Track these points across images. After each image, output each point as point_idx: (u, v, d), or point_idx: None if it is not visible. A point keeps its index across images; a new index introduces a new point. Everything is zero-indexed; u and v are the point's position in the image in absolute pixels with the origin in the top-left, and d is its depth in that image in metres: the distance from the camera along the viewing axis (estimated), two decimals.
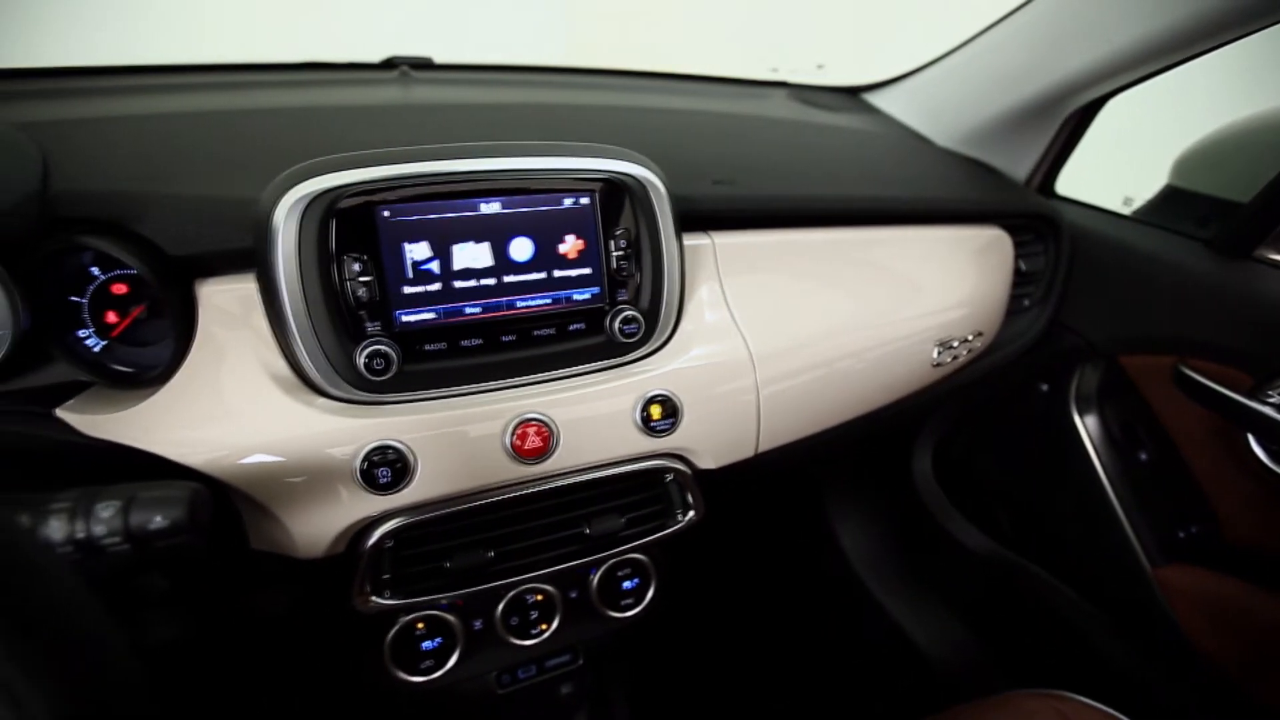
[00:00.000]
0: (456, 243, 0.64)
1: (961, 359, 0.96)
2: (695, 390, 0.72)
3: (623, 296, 0.71)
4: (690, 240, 0.76)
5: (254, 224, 0.59)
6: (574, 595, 0.79)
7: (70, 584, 0.31)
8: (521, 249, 0.66)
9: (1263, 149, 0.96)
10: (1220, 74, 0.93)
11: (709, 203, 0.79)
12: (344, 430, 0.60)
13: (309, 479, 0.60)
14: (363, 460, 0.60)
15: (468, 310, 0.65)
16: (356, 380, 0.61)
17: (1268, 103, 0.99)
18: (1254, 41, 0.83)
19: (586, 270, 0.69)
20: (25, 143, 0.61)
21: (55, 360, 0.60)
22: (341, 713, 0.98)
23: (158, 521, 0.44)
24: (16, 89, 0.83)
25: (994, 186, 1.08)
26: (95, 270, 0.60)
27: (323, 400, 0.61)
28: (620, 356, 0.71)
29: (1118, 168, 1.20)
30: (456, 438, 0.63)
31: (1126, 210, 1.10)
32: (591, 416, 0.68)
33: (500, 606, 0.75)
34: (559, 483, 0.69)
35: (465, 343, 0.66)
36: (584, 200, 0.68)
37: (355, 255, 0.60)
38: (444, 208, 0.63)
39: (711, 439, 0.74)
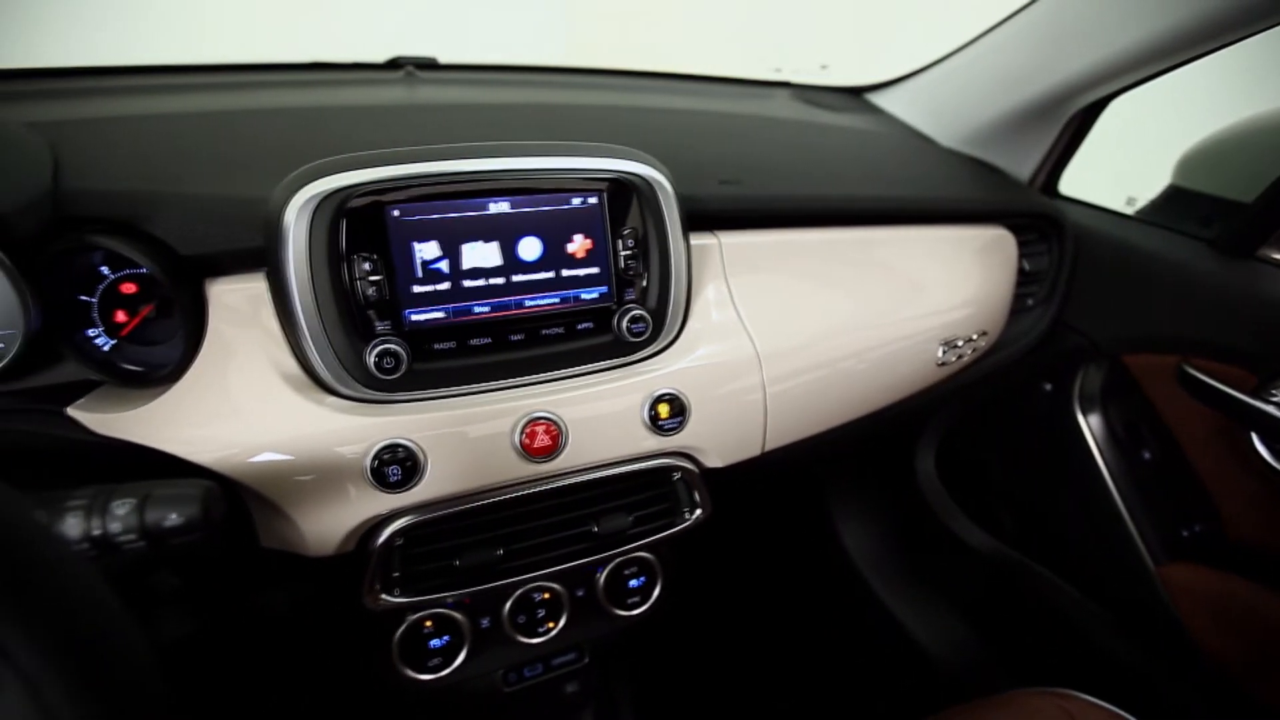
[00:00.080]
0: (465, 242, 0.64)
1: (966, 358, 0.97)
2: (702, 389, 0.72)
3: (630, 296, 0.71)
4: (697, 240, 0.76)
5: (264, 223, 0.59)
6: (581, 594, 0.80)
7: (93, 581, 0.32)
8: (530, 248, 0.66)
9: (1266, 149, 0.96)
10: (1220, 75, 0.94)
11: (715, 202, 0.80)
12: (354, 429, 0.60)
13: (319, 477, 0.60)
14: (373, 459, 0.60)
15: (476, 309, 0.65)
16: (366, 379, 0.62)
17: (1268, 104, 0.99)
18: (1256, 43, 0.83)
19: (594, 270, 0.69)
20: (36, 142, 0.61)
21: (65, 359, 0.60)
22: (348, 711, 0.98)
23: (173, 519, 0.44)
24: (25, 89, 0.83)
25: (998, 186, 1.09)
26: (105, 269, 0.60)
27: (333, 399, 0.62)
28: (628, 355, 0.72)
29: (1116, 167, 1.20)
30: (466, 436, 0.63)
31: (1130, 210, 1.10)
32: (600, 415, 0.68)
33: (508, 605, 0.75)
34: (567, 481, 0.69)
35: (474, 342, 0.66)
36: (592, 200, 0.68)
37: (365, 254, 0.61)
38: (453, 207, 0.63)
39: (718, 438, 0.75)
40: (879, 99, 1.29)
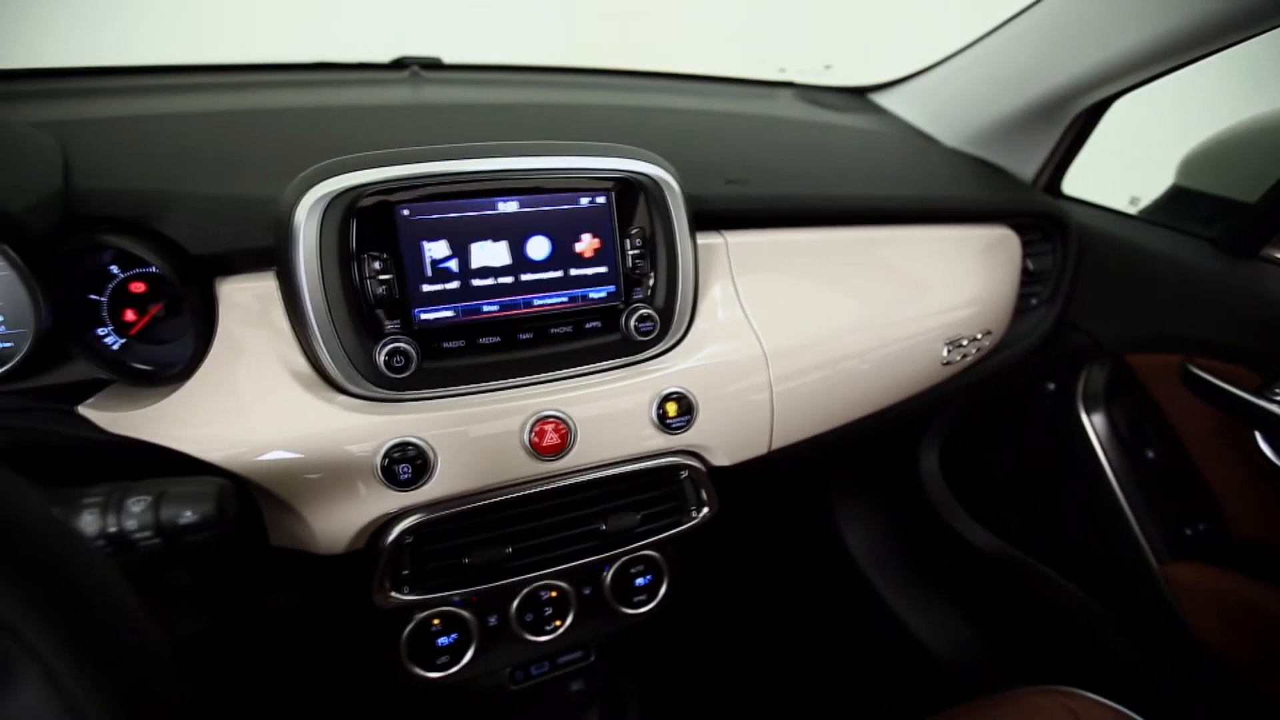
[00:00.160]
0: (474, 241, 0.64)
1: (970, 358, 0.97)
2: (710, 388, 0.73)
3: (638, 295, 0.72)
4: (703, 239, 0.77)
5: (274, 223, 0.59)
6: (587, 592, 0.80)
7: (114, 578, 0.32)
8: (538, 248, 0.66)
9: (1269, 149, 0.97)
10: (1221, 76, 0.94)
11: (721, 202, 0.80)
12: (364, 427, 0.61)
13: (330, 475, 0.60)
14: (384, 457, 0.60)
15: (486, 308, 0.66)
16: (376, 378, 0.62)
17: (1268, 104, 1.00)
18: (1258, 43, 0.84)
19: (602, 269, 0.69)
20: (45, 142, 0.61)
21: (75, 358, 0.60)
22: (356, 709, 0.98)
23: (187, 516, 0.44)
24: (32, 89, 0.83)
25: (1001, 186, 1.09)
26: (114, 269, 0.60)
27: (343, 397, 0.62)
28: (636, 354, 0.72)
29: (1117, 167, 1.21)
30: (475, 435, 0.64)
31: (1133, 210, 1.10)
32: (608, 414, 0.69)
33: (515, 603, 0.75)
34: (576, 479, 0.70)
35: (483, 340, 0.66)
36: (600, 199, 0.68)
37: (375, 254, 0.61)
38: (462, 207, 0.63)
39: (725, 436, 0.75)
40: (882, 99, 1.29)
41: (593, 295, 0.70)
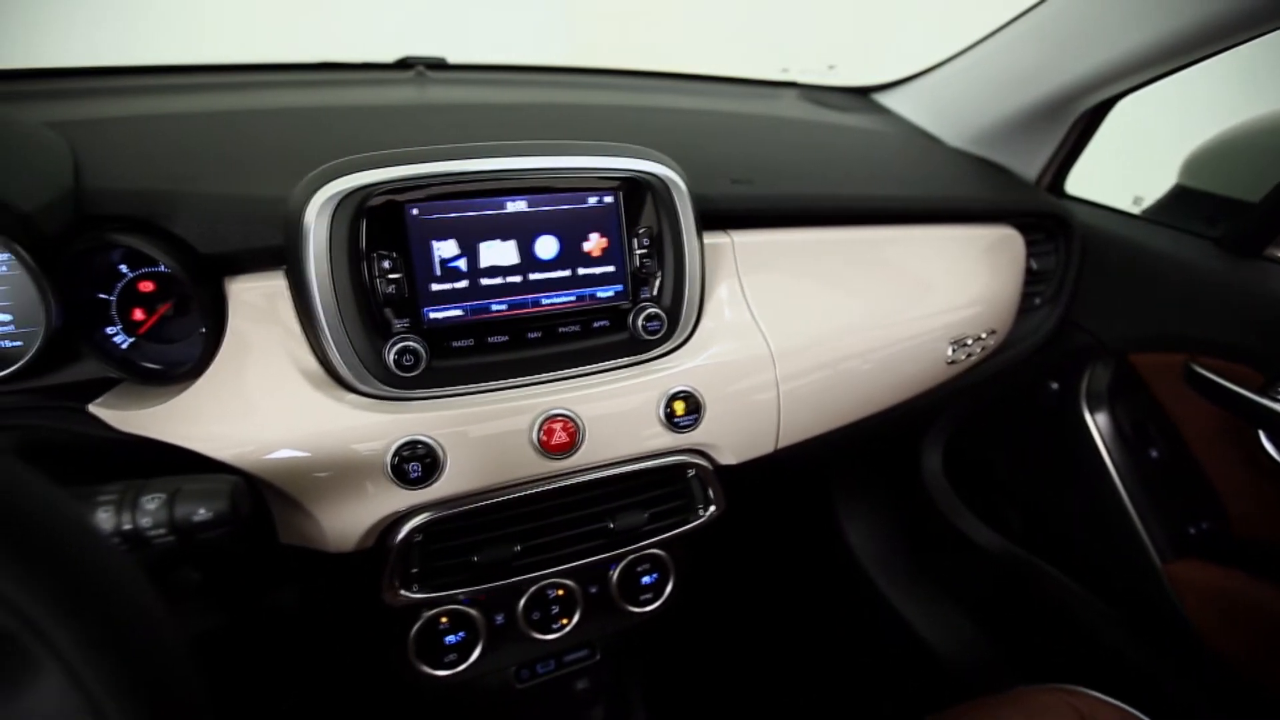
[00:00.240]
0: (483, 240, 0.64)
1: (975, 357, 0.97)
2: (717, 387, 0.73)
3: (645, 294, 0.72)
4: (710, 239, 0.77)
5: (284, 222, 0.60)
6: (594, 590, 0.80)
7: (133, 574, 0.32)
8: (547, 247, 0.67)
9: (1272, 148, 0.97)
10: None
11: (727, 202, 0.80)
12: (374, 425, 0.61)
13: (340, 474, 0.60)
14: (394, 455, 0.60)
15: (494, 307, 0.66)
16: (386, 376, 0.62)
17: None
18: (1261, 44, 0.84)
19: (610, 268, 0.70)
20: (56, 141, 0.62)
21: (84, 357, 0.61)
22: (362, 707, 0.98)
23: (202, 514, 0.44)
24: (40, 88, 0.83)
25: (1005, 186, 1.10)
26: (123, 268, 0.60)
27: (352, 396, 0.62)
28: (643, 353, 0.72)
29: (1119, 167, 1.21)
30: (484, 433, 0.64)
31: (1136, 210, 1.11)
32: (616, 413, 0.69)
33: (522, 601, 0.76)
34: (584, 478, 0.70)
35: (492, 339, 0.66)
36: (608, 199, 0.68)
37: (384, 253, 0.61)
38: (471, 206, 0.63)
39: (732, 435, 0.75)
40: (886, 99, 1.29)
41: (600, 295, 0.70)
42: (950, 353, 0.93)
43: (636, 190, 0.69)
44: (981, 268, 0.98)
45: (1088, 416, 1.09)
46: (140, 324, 0.62)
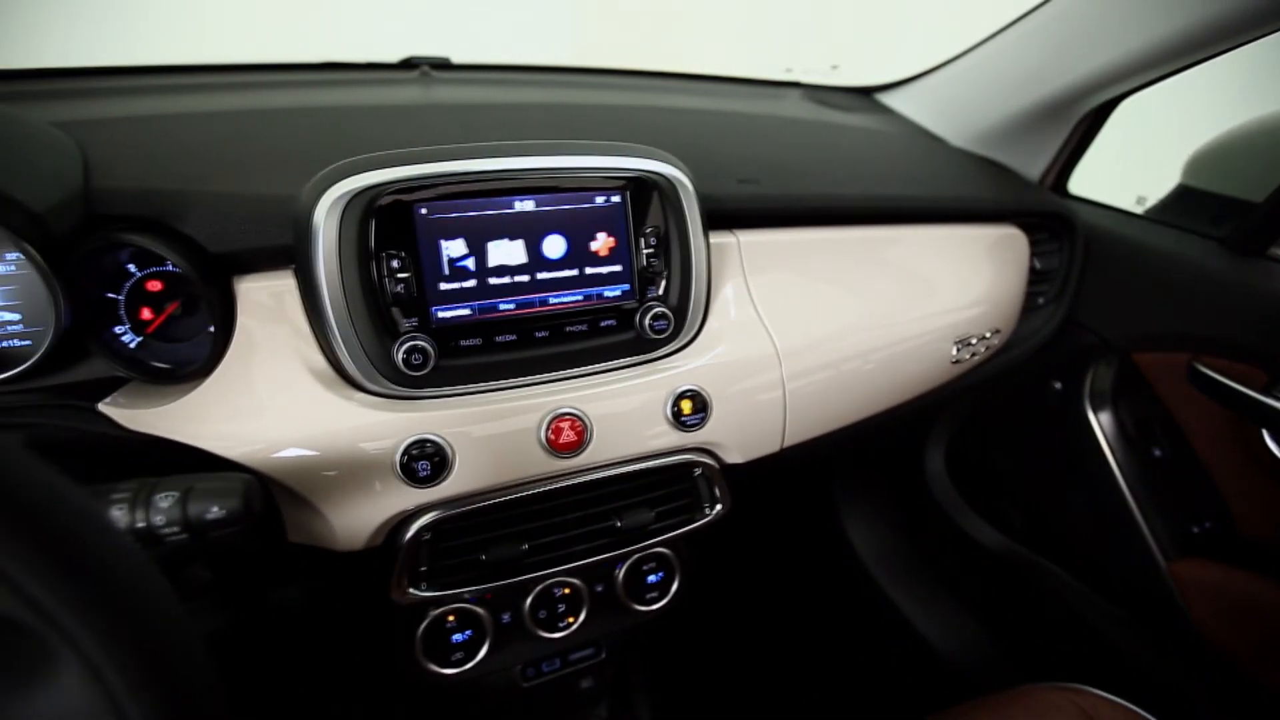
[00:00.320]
0: (491, 240, 0.64)
1: (979, 356, 0.97)
2: (723, 386, 0.73)
3: (652, 294, 0.72)
4: (716, 238, 0.77)
5: (293, 221, 0.60)
6: (600, 589, 0.80)
7: (151, 571, 0.32)
8: (554, 246, 0.67)
9: (1276, 148, 0.97)
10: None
11: (734, 202, 0.80)
12: (383, 424, 0.61)
13: (348, 472, 0.60)
14: (403, 454, 0.60)
15: (502, 306, 0.66)
16: (394, 375, 0.62)
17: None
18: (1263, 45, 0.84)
19: (617, 267, 0.70)
20: (65, 141, 0.62)
21: (92, 356, 0.61)
22: (369, 704, 0.98)
23: (214, 512, 0.45)
24: (49, 88, 0.83)
25: (1009, 185, 1.10)
26: (131, 267, 0.61)
27: (361, 395, 0.62)
28: (650, 353, 0.72)
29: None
30: (493, 432, 0.64)
31: (1140, 209, 1.11)
32: (624, 411, 0.69)
33: (529, 599, 0.76)
34: (592, 476, 0.70)
35: (500, 338, 0.67)
36: (615, 198, 0.69)
37: (393, 252, 0.61)
38: (479, 205, 0.63)
39: (739, 434, 0.75)
40: (889, 99, 1.29)
41: (607, 294, 0.70)
42: (954, 352, 0.93)
43: (643, 190, 0.70)
44: (985, 267, 0.98)
45: (1091, 416, 1.09)
46: (148, 323, 0.62)
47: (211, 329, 0.61)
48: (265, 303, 0.62)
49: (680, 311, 0.72)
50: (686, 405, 0.71)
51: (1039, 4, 0.99)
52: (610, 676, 0.93)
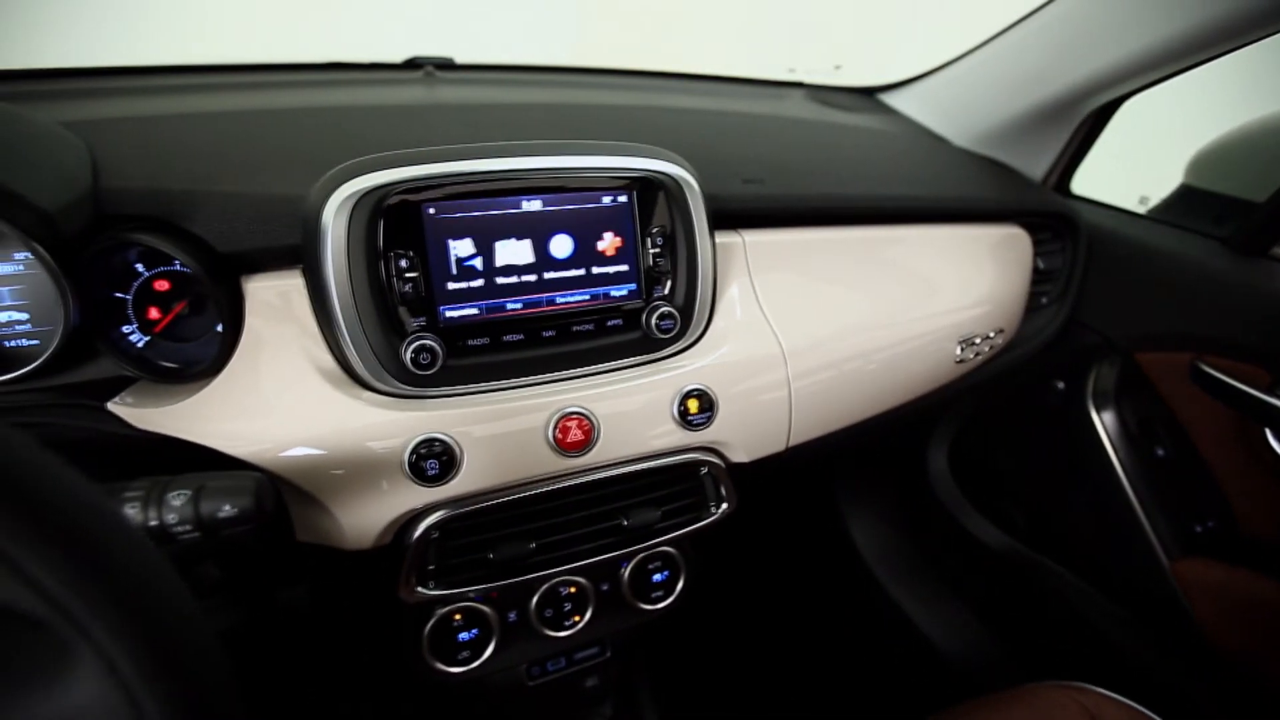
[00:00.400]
0: (499, 239, 0.65)
1: (983, 356, 0.98)
2: (729, 385, 0.73)
3: (658, 293, 0.72)
4: (721, 238, 0.77)
5: (302, 221, 0.60)
6: (605, 588, 0.81)
7: (166, 567, 0.32)
8: (561, 246, 0.67)
9: (1278, 148, 0.98)
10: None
11: (739, 202, 0.81)
12: (392, 423, 0.61)
13: (357, 471, 0.60)
14: (411, 453, 0.61)
15: (509, 306, 0.66)
16: (402, 374, 0.62)
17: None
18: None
19: (624, 267, 0.70)
20: (74, 141, 0.62)
21: (100, 356, 0.61)
22: (376, 703, 0.99)
23: (226, 510, 0.45)
24: (56, 88, 0.83)
25: (1012, 185, 1.10)
26: (139, 267, 0.61)
27: (369, 394, 0.62)
28: (656, 352, 0.72)
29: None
30: (500, 431, 0.64)
31: (1142, 209, 1.11)
32: (631, 411, 0.69)
33: (535, 598, 0.76)
34: (599, 475, 0.70)
35: (507, 338, 0.67)
36: (622, 198, 0.69)
37: (401, 251, 0.61)
38: (487, 205, 0.64)
39: (745, 433, 0.76)
40: (892, 99, 1.30)
41: (614, 294, 0.70)
42: (959, 352, 0.93)
43: (649, 190, 0.70)
44: (989, 267, 0.98)
45: (1094, 415, 1.09)
46: (155, 323, 0.62)
47: (219, 328, 0.61)
48: (273, 302, 0.63)
49: (686, 311, 0.72)
50: (693, 404, 0.71)
51: (1042, 4, 1.00)
52: (615, 675, 0.94)
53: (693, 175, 0.70)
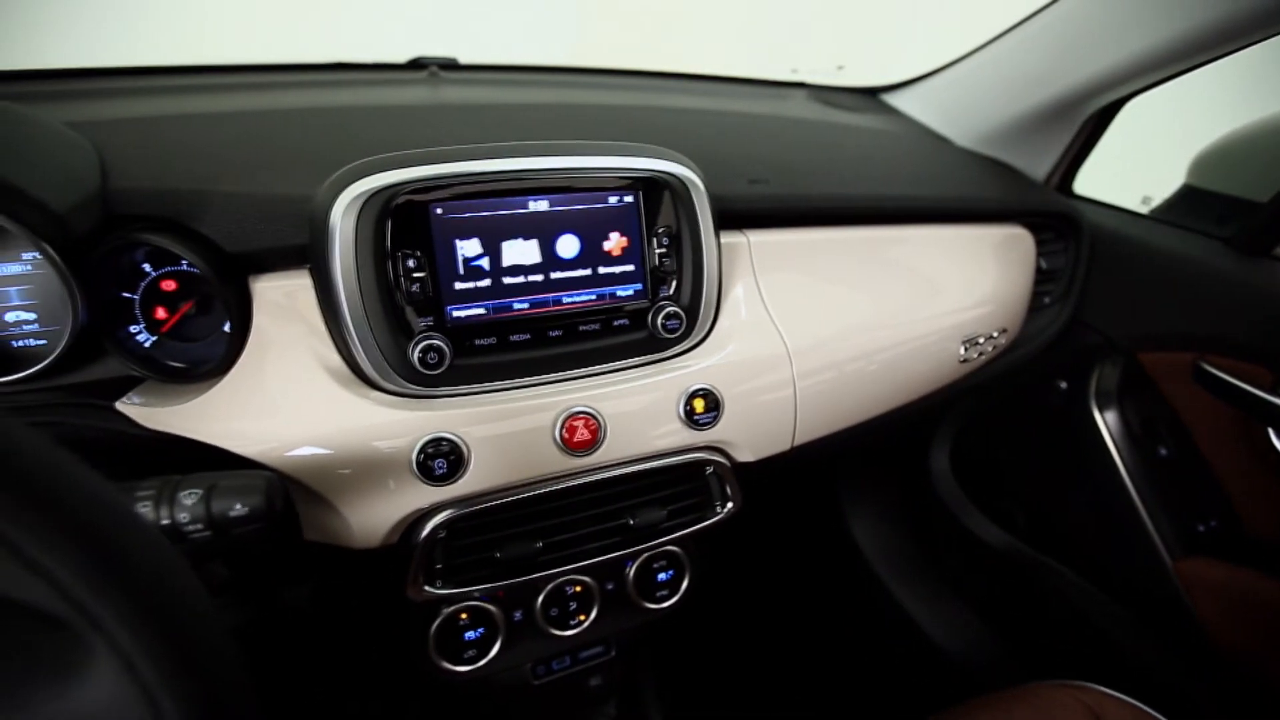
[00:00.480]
0: (506, 240, 0.65)
1: (986, 356, 0.98)
2: (735, 384, 0.74)
3: (664, 293, 0.72)
4: (726, 238, 0.78)
5: (310, 221, 0.60)
6: (610, 587, 0.81)
7: (182, 565, 0.32)
8: (568, 246, 0.67)
9: None
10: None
11: (744, 202, 0.81)
12: (399, 423, 0.61)
13: (365, 471, 0.61)
14: (419, 452, 0.61)
15: (516, 306, 0.66)
16: (410, 374, 0.62)
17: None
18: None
19: (630, 267, 0.70)
20: (82, 142, 0.62)
21: (107, 355, 0.61)
22: (381, 701, 0.99)
23: (238, 509, 0.45)
24: (61, 89, 0.83)
25: (1015, 186, 1.10)
26: (146, 267, 0.61)
27: (376, 394, 0.62)
28: (662, 351, 0.73)
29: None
30: (508, 430, 0.64)
31: (1145, 209, 1.12)
32: (637, 410, 0.69)
33: (540, 598, 0.76)
34: (605, 474, 0.70)
35: (514, 338, 0.67)
36: (628, 198, 0.69)
37: (409, 251, 0.61)
38: (494, 205, 0.64)
39: (750, 432, 0.76)
40: (894, 99, 1.30)
41: (620, 294, 0.70)
42: (962, 352, 0.93)
43: (655, 190, 0.70)
44: (992, 267, 0.98)
45: (1097, 415, 1.09)
46: (162, 322, 0.62)
47: (226, 328, 0.61)
48: (280, 302, 0.63)
49: (692, 311, 0.73)
50: (699, 404, 0.71)
51: (1044, 5, 1.00)
52: (619, 675, 0.94)
53: (698, 176, 0.70)
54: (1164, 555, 1.03)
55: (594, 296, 0.69)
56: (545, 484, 0.68)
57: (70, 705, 0.28)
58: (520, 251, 0.66)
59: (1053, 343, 1.12)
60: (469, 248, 0.64)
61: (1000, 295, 0.98)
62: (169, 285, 0.62)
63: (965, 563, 1.34)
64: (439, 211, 0.62)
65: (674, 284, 0.73)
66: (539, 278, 0.67)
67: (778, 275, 0.80)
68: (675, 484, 0.76)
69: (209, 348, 0.63)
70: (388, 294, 0.61)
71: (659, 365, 0.72)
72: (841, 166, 0.98)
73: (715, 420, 0.72)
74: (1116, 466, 1.07)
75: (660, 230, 0.71)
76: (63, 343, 0.57)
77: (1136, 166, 1.23)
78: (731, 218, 0.79)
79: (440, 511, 0.64)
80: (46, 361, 0.57)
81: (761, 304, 0.78)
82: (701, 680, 1.31)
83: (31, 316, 0.60)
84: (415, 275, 0.62)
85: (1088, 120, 1.07)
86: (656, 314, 0.71)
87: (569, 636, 0.79)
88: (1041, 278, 1.08)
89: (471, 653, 0.75)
